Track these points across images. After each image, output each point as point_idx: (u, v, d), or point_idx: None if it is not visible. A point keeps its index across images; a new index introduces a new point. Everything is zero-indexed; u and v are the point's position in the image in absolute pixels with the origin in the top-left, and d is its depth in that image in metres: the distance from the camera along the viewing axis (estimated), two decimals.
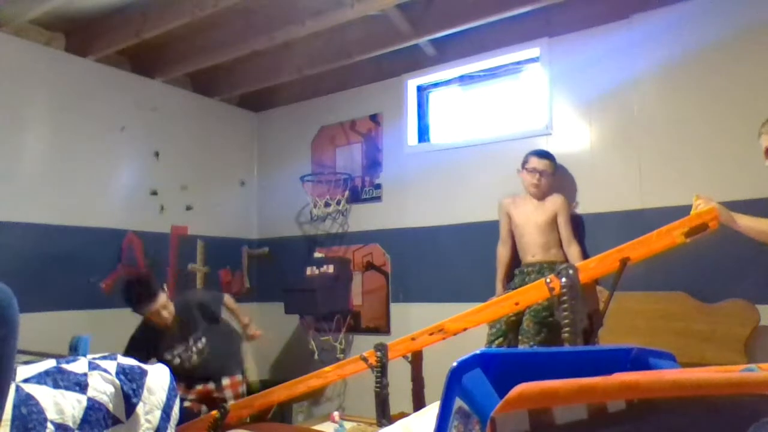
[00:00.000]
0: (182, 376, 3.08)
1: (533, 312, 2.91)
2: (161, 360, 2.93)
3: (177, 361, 3.08)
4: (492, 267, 3.36)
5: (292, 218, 4.60)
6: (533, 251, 3.15)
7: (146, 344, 3.04)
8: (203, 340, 3.16)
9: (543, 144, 3.40)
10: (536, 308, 2.88)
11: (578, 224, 3.24)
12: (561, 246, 3.15)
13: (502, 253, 3.34)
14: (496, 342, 3.03)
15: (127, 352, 2.98)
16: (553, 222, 3.14)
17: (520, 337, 2.95)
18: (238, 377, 3.33)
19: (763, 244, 2.13)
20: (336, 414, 2.95)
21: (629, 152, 3.18)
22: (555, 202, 3.16)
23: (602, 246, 2.28)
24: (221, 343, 3.24)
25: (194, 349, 3.15)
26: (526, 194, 3.26)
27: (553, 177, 3.21)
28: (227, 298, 3.42)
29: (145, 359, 2.89)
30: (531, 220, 3.17)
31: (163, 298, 3.00)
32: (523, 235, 3.21)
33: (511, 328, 3.04)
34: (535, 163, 3.20)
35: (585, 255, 3.03)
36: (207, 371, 3.19)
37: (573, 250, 3.08)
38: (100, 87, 3.80)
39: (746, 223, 2.09)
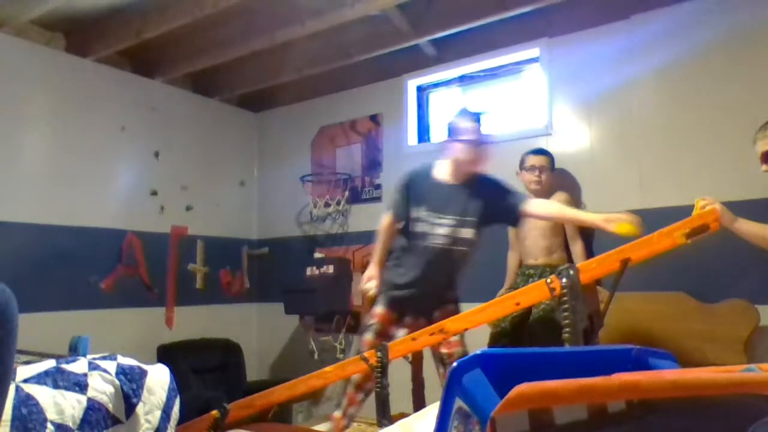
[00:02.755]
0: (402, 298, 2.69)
1: (542, 313, 2.89)
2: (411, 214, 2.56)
3: (436, 230, 2.56)
4: (491, 267, 3.34)
5: (292, 218, 4.59)
6: (536, 254, 3.12)
7: (420, 188, 2.63)
8: (471, 231, 2.59)
9: (543, 144, 3.39)
10: (545, 309, 2.85)
11: None
12: (564, 249, 3.12)
13: (513, 260, 3.30)
14: (500, 342, 3.00)
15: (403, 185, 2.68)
16: (558, 223, 3.09)
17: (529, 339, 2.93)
18: (452, 307, 2.69)
19: (763, 249, 2.13)
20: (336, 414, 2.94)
21: (629, 152, 3.18)
22: (560, 201, 3.10)
23: (602, 246, 2.28)
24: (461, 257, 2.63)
25: (459, 232, 2.57)
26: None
27: (552, 174, 3.19)
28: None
29: (410, 202, 2.61)
30: (536, 223, 3.10)
31: None
32: (526, 237, 3.17)
33: (515, 328, 3.03)
34: (533, 160, 3.17)
35: (589, 252, 3.03)
36: (439, 280, 2.67)
37: (577, 247, 3.07)
38: (100, 87, 3.80)
39: (747, 228, 2.09)
